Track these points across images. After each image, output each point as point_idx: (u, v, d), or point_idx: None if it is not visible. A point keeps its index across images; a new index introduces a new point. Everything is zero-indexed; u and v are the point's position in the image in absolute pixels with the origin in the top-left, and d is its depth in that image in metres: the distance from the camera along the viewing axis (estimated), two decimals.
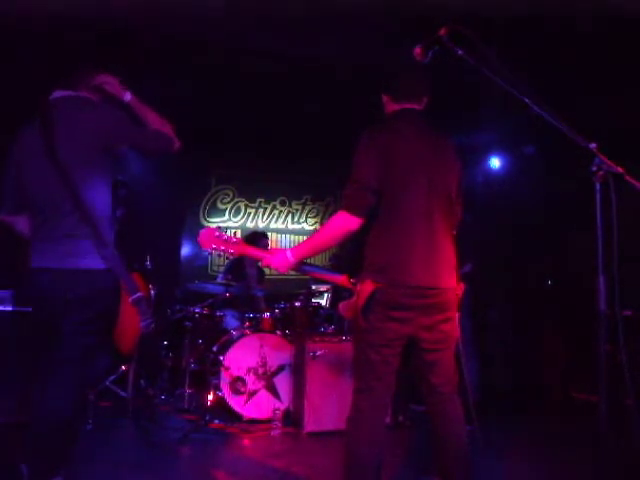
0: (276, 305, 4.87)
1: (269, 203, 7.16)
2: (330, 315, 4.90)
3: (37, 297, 2.39)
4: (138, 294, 2.27)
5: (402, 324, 2.13)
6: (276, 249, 2.40)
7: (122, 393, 4.36)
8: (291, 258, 2.23)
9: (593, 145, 1.71)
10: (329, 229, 2.21)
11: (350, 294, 2.25)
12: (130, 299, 2.27)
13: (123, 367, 4.33)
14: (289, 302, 4.83)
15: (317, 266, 2.83)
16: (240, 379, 4.17)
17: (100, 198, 2.30)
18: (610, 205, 1.66)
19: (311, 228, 7.33)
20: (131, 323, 2.35)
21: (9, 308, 3.79)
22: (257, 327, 4.58)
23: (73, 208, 2.22)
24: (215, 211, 6.89)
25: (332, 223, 2.19)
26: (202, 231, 2.32)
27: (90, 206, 2.24)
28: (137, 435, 3.75)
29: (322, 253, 5.55)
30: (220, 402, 4.18)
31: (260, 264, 5.18)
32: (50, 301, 2.28)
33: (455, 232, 2.35)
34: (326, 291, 5.38)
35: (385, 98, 2.36)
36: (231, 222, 6.95)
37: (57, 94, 2.40)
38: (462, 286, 2.30)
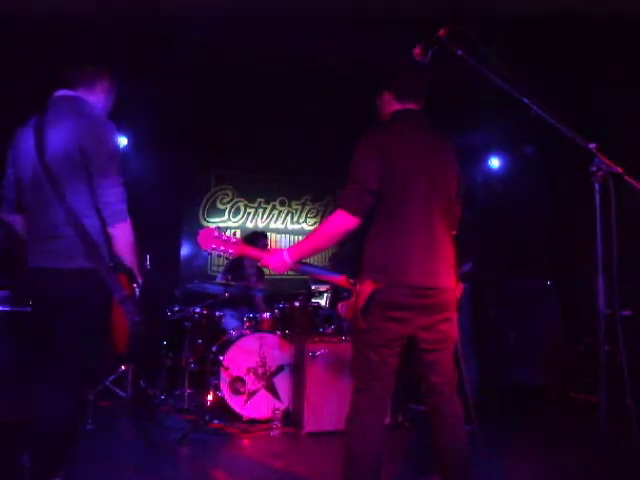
0: (276, 305, 4.86)
1: (269, 203, 7.15)
2: (330, 315, 4.89)
3: (34, 297, 2.40)
4: (123, 293, 2.27)
5: (401, 324, 2.13)
6: (274, 249, 2.39)
7: (122, 393, 4.36)
8: (288, 259, 2.22)
9: (593, 145, 1.71)
10: (326, 229, 2.20)
11: (350, 294, 2.25)
12: (116, 298, 2.28)
13: (122, 367, 4.32)
14: (289, 302, 4.82)
15: (316, 266, 2.83)
16: (240, 379, 4.17)
17: (86, 199, 2.28)
18: (610, 205, 1.65)
19: (311, 228, 7.31)
20: (120, 322, 2.35)
21: (7, 308, 3.79)
22: (257, 327, 4.57)
23: (60, 209, 2.22)
24: (215, 211, 6.88)
25: (330, 222, 2.18)
26: (201, 231, 2.31)
27: (76, 207, 2.23)
28: (137, 435, 3.73)
29: (320, 253, 5.55)
30: (220, 402, 4.18)
31: (259, 264, 5.18)
32: (47, 301, 2.29)
33: (455, 232, 2.35)
34: (326, 291, 5.38)
35: (387, 96, 2.35)
36: (230, 222, 6.94)
37: (59, 93, 2.40)
38: (461, 286, 2.30)
